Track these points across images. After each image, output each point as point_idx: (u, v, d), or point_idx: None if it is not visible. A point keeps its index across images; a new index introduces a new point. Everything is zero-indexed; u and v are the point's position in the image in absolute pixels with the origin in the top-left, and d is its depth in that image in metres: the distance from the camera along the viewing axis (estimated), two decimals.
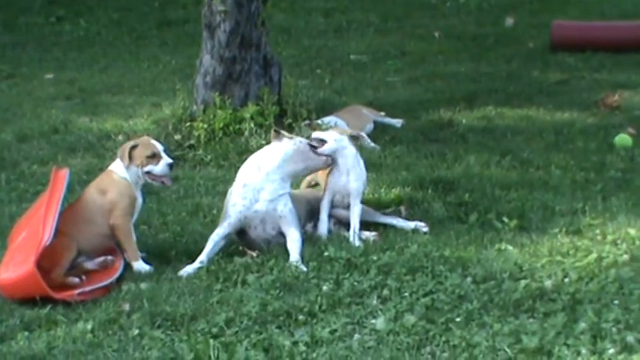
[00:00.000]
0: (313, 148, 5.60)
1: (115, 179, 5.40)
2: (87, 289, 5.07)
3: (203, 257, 5.35)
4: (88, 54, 12.25)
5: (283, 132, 5.68)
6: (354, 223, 5.61)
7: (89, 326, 4.59)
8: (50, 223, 4.98)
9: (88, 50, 12.49)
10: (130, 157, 5.39)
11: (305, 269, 5.12)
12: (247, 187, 5.48)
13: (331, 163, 5.67)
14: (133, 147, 5.42)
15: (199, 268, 5.25)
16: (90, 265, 5.32)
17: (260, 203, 5.45)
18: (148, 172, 5.45)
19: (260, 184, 5.46)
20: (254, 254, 5.41)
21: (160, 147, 5.53)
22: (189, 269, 5.27)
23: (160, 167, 5.48)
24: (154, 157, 5.45)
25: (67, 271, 5.16)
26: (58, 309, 4.84)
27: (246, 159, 7.18)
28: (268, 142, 7.31)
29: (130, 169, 5.40)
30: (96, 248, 5.36)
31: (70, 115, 8.92)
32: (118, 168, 5.44)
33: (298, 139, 5.65)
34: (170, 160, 5.51)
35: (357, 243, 5.47)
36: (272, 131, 5.70)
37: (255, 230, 5.51)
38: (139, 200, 5.44)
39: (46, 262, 4.96)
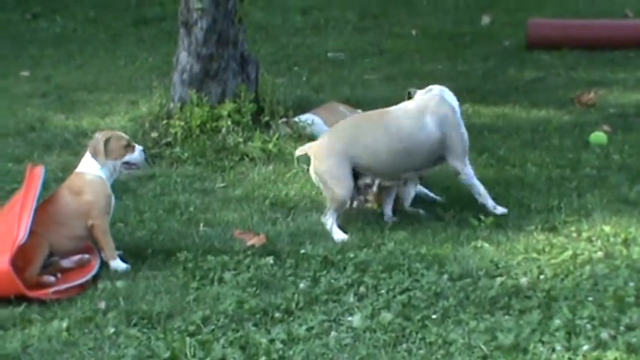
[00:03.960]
0: None
1: (89, 179, 5.32)
2: (62, 287, 5.03)
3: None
4: (64, 51, 12.18)
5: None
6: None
7: (64, 325, 4.57)
8: (25, 222, 4.93)
9: (64, 47, 12.42)
10: (106, 152, 5.36)
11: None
12: None
13: None
14: (107, 141, 5.37)
15: None
16: (66, 263, 5.28)
17: None
18: (125, 163, 5.43)
19: None
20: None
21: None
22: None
23: (137, 154, 5.46)
24: (129, 146, 5.44)
25: (42, 270, 5.12)
26: (33, 307, 4.81)
27: (223, 156, 7.27)
28: (245, 140, 7.40)
29: (105, 165, 5.36)
30: (69, 250, 5.29)
31: (46, 113, 8.88)
32: (88, 167, 5.35)
33: None
34: (142, 147, 5.54)
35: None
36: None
37: None
38: (112, 197, 5.40)
39: (19, 260, 4.92)
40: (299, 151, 6.03)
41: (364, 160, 5.69)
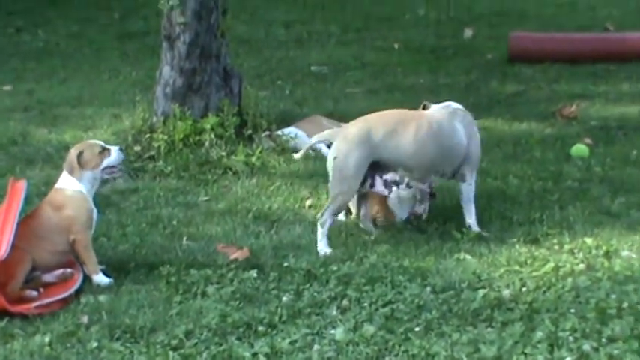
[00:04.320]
0: None
1: (69, 195, 5.29)
2: (44, 301, 5.01)
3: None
4: (47, 65, 12.15)
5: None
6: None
7: (47, 339, 4.55)
8: (8, 236, 4.90)
9: (47, 61, 12.39)
10: (81, 166, 5.34)
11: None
12: None
13: None
14: (80, 154, 5.34)
15: None
16: (48, 277, 5.26)
17: None
18: (104, 169, 5.39)
19: None
20: None
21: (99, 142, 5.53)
22: None
23: (114, 155, 5.40)
24: (104, 150, 5.40)
25: (24, 284, 5.10)
26: (15, 322, 4.79)
27: (206, 170, 7.28)
28: (228, 154, 7.40)
29: (83, 178, 5.33)
30: (51, 264, 5.26)
31: (29, 127, 8.85)
32: (67, 183, 5.32)
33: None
34: (118, 147, 5.50)
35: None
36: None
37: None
38: (95, 211, 5.38)
39: (1, 275, 4.90)
40: (325, 135, 5.87)
41: (398, 156, 5.59)
